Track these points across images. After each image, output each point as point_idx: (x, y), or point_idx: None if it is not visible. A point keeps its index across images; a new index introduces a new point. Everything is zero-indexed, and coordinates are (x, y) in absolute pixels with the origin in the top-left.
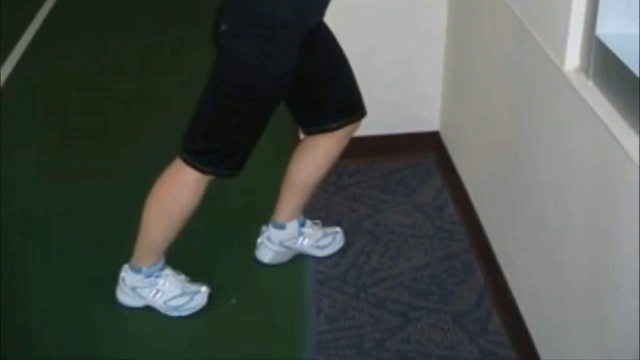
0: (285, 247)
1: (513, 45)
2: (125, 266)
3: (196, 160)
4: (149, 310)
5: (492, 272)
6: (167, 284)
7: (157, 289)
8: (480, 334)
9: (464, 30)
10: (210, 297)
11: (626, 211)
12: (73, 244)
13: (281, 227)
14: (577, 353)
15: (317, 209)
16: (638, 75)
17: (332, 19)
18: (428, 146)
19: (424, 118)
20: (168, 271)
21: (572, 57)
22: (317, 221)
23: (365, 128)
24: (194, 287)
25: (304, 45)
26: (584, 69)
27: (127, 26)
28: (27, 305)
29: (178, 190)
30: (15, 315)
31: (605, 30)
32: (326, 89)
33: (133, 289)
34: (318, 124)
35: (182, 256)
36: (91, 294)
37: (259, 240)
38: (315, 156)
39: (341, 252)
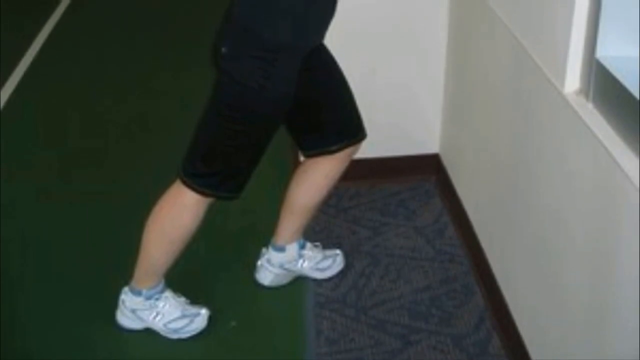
0: (285, 269)
1: (513, 67)
2: (125, 289)
3: (196, 182)
4: (149, 332)
5: (492, 294)
6: (167, 306)
7: (157, 311)
8: (480, 356)
9: (464, 53)
10: (210, 319)
11: (626, 233)
12: (73, 266)
13: (281, 249)
14: None
15: (317, 232)
16: (638, 97)
17: (332, 41)
18: (428, 169)
19: (424, 140)
20: (168, 293)
21: (572, 80)
22: (317, 243)
23: (365, 150)
24: (194, 309)
25: (303, 68)
26: (584, 91)
27: (127, 48)
28: (26, 327)
29: (178, 212)
30: (15, 337)
31: (606, 52)
32: (326, 111)
33: (133, 311)
34: (318, 147)
35: (182, 278)
36: (91, 317)
37: (259, 262)
38: (315, 178)
39: (341, 274)
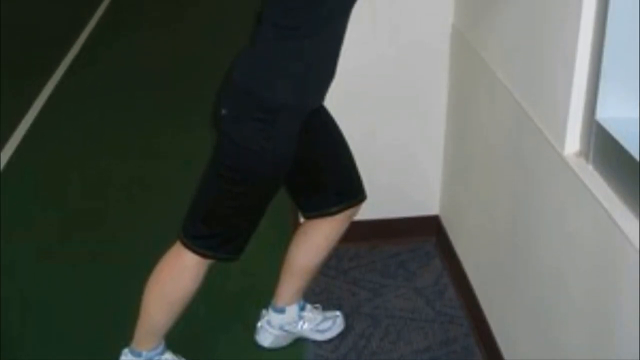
0: (286, 331)
1: (513, 129)
2: (125, 350)
3: (196, 244)
4: None
5: (492, 356)
6: None
7: None
8: None
9: (464, 114)
10: None
11: (626, 295)
12: (73, 327)
13: (281, 311)
14: None
15: (317, 293)
16: (638, 159)
17: (332, 102)
18: (428, 230)
19: (423, 202)
20: (168, 355)
21: (572, 141)
22: (317, 305)
23: (365, 212)
24: None
25: (303, 130)
26: (584, 153)
27: (127, 110)
28: None
29: (178, 273)
30: None
31: (606, 114)
32: (326, 173)
33: None
34: (318, 208)
35: (183, 340)
36: None
37: (259, 324)
38: (315, 240)
39: (341, 336)
